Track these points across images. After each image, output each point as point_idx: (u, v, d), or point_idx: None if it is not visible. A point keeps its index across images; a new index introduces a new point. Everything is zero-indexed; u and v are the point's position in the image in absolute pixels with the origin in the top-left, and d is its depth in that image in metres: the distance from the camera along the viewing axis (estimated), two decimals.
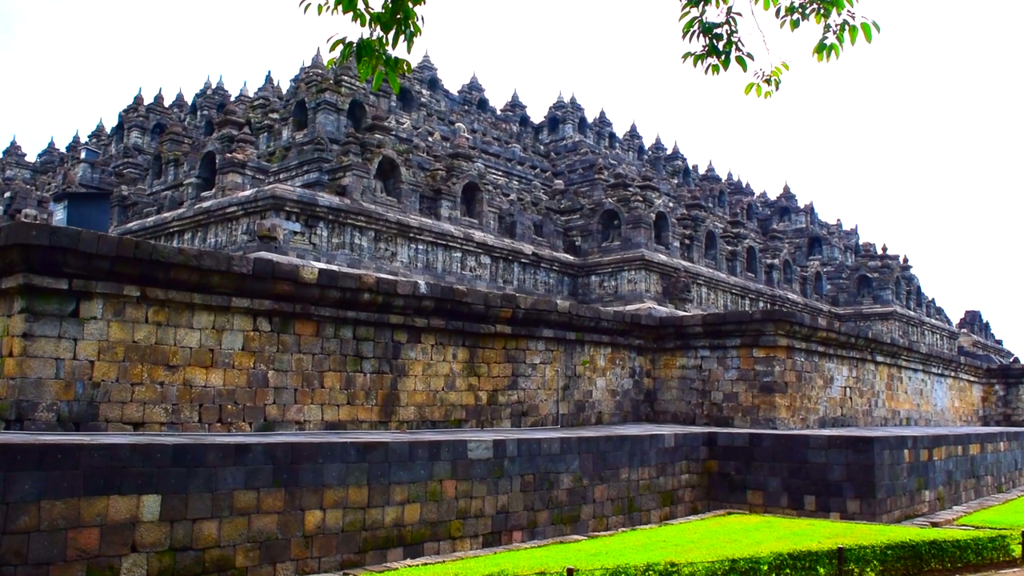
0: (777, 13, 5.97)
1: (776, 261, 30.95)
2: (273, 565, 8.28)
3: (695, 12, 5.97)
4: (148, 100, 33.91)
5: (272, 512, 8.33)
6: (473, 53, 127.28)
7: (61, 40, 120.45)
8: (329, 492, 8.84)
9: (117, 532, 7.23)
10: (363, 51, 5.00)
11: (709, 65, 6.08)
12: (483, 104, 34.30)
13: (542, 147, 33.87)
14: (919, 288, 38.55)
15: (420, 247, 19.46)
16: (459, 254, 20.43)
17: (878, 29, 5.54)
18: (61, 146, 39.50)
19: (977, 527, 11.93)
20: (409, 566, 8.53)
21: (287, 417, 11.77)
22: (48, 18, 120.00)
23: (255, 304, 11.48)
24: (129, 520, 7.31)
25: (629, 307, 21.05)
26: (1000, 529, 11.10)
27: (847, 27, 5.65)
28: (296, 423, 11.86)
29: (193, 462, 7.80)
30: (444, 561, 8.76)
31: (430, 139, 25.85)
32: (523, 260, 22.26)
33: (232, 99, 32.17)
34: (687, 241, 25.80)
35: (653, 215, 23.97)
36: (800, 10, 5.89)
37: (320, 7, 5.17)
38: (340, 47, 4.99)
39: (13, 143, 37.84)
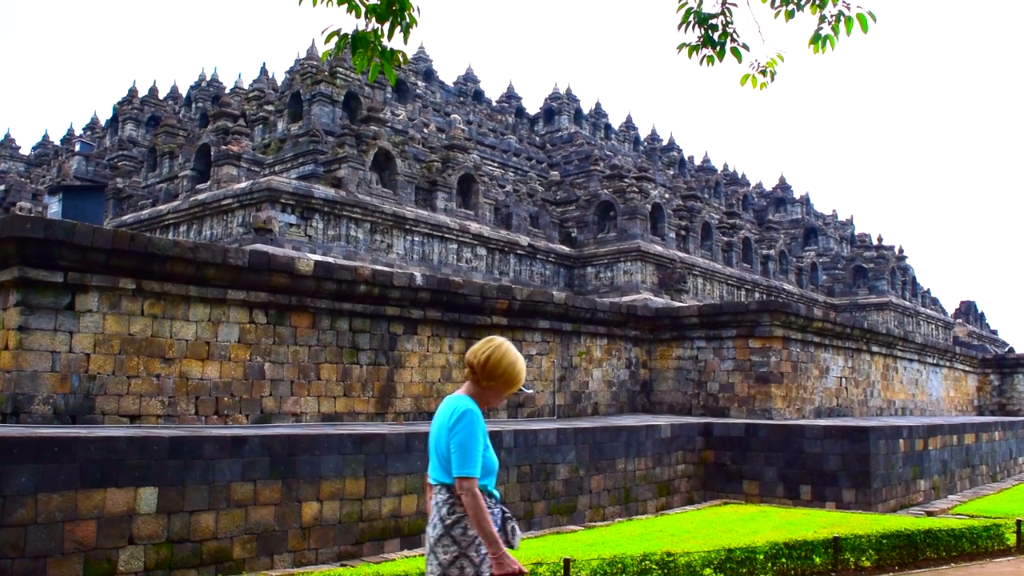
0: (772, 4, 5.94)
1: (772, 252, 30.98)
2: (270, 557, 8.29)
3: (691, 3, 5.94)
4: (143, 92, 33.77)
5: (269, 504, 8.34)
6: (468, 44, 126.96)
7: (55, 33, 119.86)
8: (326, 484, 8.84)
9: (114, 524, 7.23)
10: (358, 43, 4.97)
11: (704, 56, 6.05)
12: (479, 96, 34.22)
13: (538, 138, 33.83)
14: (914, 278, 38.63)
15: (416, 239, 19.44)
16: (455, 246, 20.41)
17: (874, 19, 5.52)
18: (55, 139, 39.38)
19: (972, 516, 11.98)
20: (407, 557, 8.55)
21: (284, 409, 11.77)
22: (42, 11, 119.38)
23: (251, 296, 11.47)
24: (126, 513, 7.31)
25: (625, 298, 21.07)
26: (995, 518, 11.15)
27: (842, 18, 5.61)
28: (293, 415, 11.87)
29: (190, 454, 7.80)
30: None
31: (425, 131, 25.80)
32: (519, 251, 22.25)
33: (227, 91, 32.06)
34: (683, 232, 25.81)
35: (649, 206, 23.96)
36: (795, 0, 5.87)
37: None
38: (335, 39, 4.96)
39: (7, 136, 37.68)
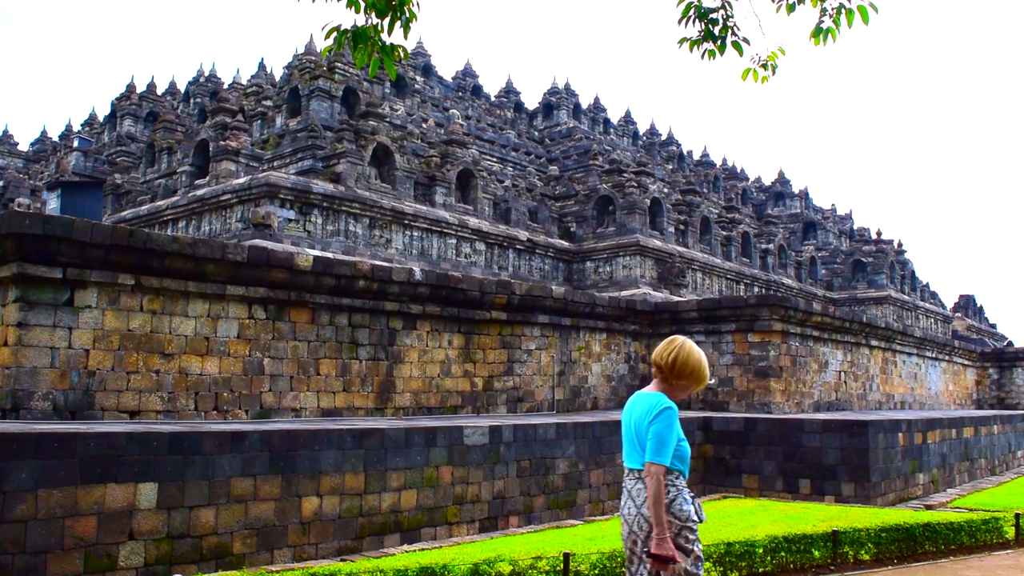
0: None
1: (771, 246, 30.97)
2: (270, 551, 8.31)
3: None
4: (141, 88, 33.70)
5: (269, 499, 8.35)
6: (467, 39, 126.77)
7: (53, 29, 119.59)
8: (326, 479, 8.85)
9: (114, 520, 7.23)
10: (359, 38, 4.96)
11: (705, 50, 6.03)
12: (477, 90, 34.16)
13: (536, 133, 33.77)
14: (913, 272, 38.64)
15: (415, 234, 19.43)
16: (454, 241, 20.40)
17: (875, 11, 5.51)
18: (54, 135, 39.29)
19: (971, 509, 12.01)
20: (406, 552, 8.56)
21: (283, 404, 11.77)
22: (40, 7, 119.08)
23: (250, 292, 11.46)
24: (126, 508, 7.32)
25: (624, 293, 21.07)
26: (993, 511, 11.17)
27: (843, 10, 5.60)
28: (292, 410, 11.87)
29: (189, 450, 7.80)
30: (441, 547, 8.79)
31: (424, 126, 25.76)
32: (518, 246, 22.24)
33: (225, 87, 31.99)
34: (682, 226, 25.80)
35: (648, 201, 23.94)
36: None
37: None
38: (335, 35, 4.95)
39: (6, 132, 37.60)
